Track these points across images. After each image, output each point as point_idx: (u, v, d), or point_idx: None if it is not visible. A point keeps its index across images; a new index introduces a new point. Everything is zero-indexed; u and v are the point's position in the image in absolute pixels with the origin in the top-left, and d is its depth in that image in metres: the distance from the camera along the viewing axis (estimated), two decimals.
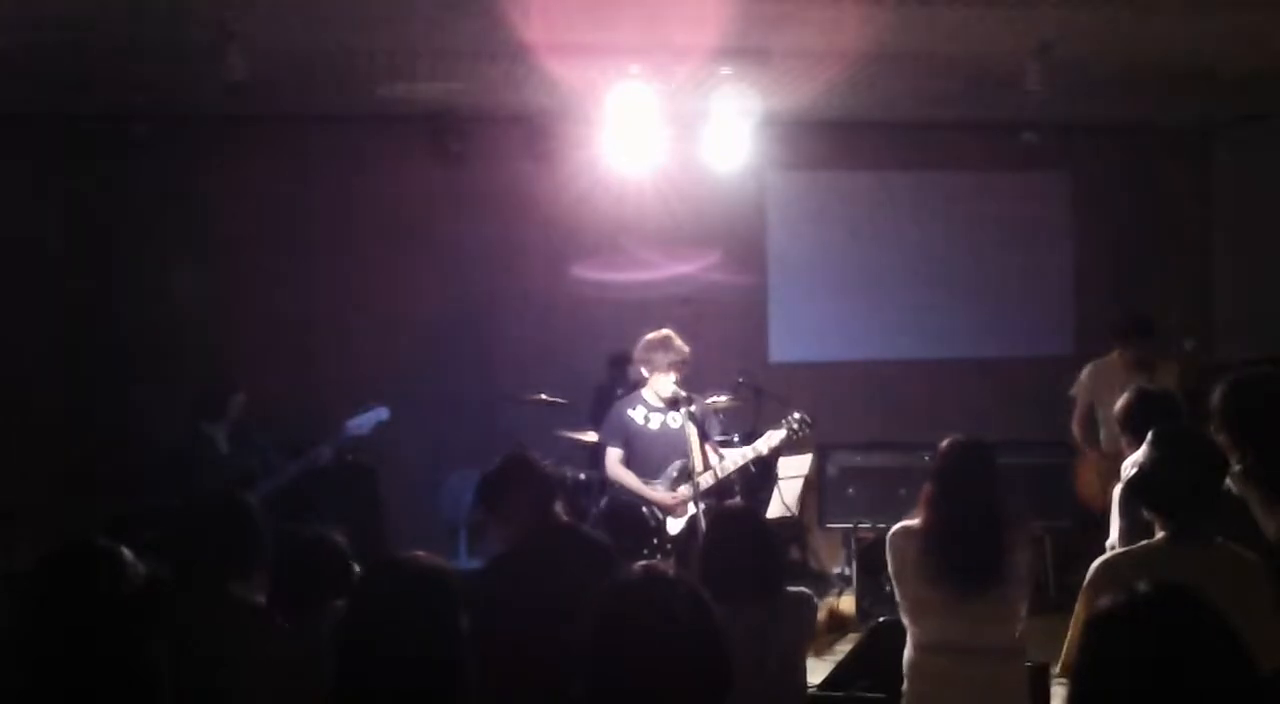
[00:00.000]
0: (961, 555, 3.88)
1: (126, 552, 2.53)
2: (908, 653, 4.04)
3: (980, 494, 3.98)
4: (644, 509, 6.14)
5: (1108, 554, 3.39)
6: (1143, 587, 1.96)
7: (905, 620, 4.06)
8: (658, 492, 6.11)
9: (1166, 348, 6.85)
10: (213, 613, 3.32)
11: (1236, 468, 3.61)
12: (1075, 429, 7.08)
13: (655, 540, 6.10)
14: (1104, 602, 1.97)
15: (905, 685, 4.04)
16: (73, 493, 7.03)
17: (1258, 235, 8.94)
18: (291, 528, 3.79)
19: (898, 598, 4.08)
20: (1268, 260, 8.77)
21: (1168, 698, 1.85)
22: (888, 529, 6.01)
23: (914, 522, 4.04)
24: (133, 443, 7.07)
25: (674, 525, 6.13)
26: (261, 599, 3.52)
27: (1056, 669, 3.43)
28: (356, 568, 3.53)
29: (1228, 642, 1.89)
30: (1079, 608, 3.28)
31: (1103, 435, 6.89)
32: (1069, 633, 3.33)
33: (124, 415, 7.51)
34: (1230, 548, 3.25)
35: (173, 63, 6.44)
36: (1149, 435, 3.40)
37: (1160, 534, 3.29)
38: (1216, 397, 3.73)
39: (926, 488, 4.07)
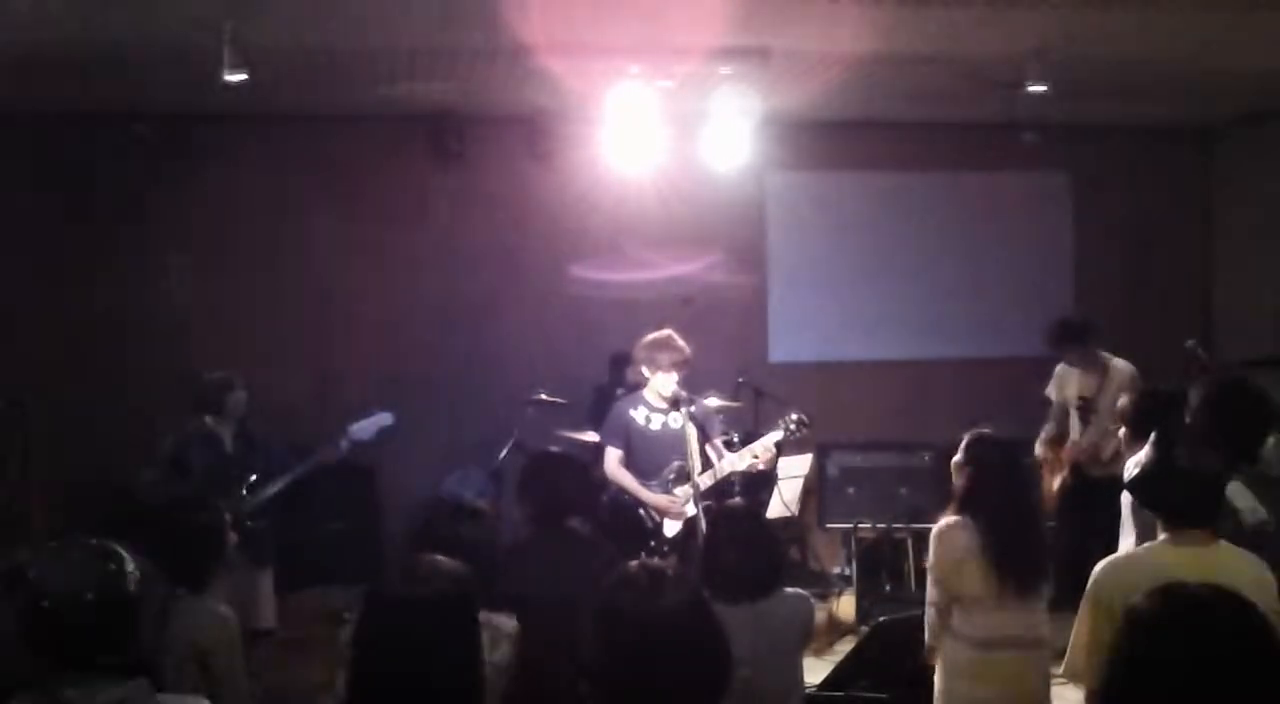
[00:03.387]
0: (1025, 553, 3.99)
1: (127, 552, 2.55)
2: (954, 650, 4.04)
3: (1022, 488, 4.16)
4: (640, 511, 6.13)
5: (1110, 557, 3.39)
6: (1182, 587, 1.96)
7: (945, 617, 4.06)
8: (654, 494, 6.10)
9: (1099, 350, 6.87)
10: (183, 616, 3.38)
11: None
12: (1045, 429, 7.10)
13: (652, 542, 6.10)
14: (1141, 603, 1.97)
15: (948, 684, 4.05)
16: (74, 492, 7.03)
17: (1258, 235, 8.94)
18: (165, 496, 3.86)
19: (936, 596, 4.09)
20: (1268, 260, 8.77)
21: (1204, 699, 1.85)
22: (888, 529, 6.07)
23: (960, 518, 4.06)
24: (134, 443, 7.07)
25: (670, 527, 6.12)
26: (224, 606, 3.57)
27: (1060, 670, 3.41)
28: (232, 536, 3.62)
29: (1268, 641, 1.89)
30: (1083, 611, 3.28)
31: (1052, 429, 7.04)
32: (1073, 635, 3.32)
33: (125, 416, 7.51)
34: (1234, 548, 3.26)
35: (173, 63, 6.44)
36: (1151, 436, 3.41)
37: (1162, 536, 3.30)
38: (1197, 403, 3.79)
39: (965, 482, 4.11)
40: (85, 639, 2.39)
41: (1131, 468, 3.44)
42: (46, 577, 2.44)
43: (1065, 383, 6.99)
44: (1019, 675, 3.98)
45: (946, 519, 4.11)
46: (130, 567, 2.50)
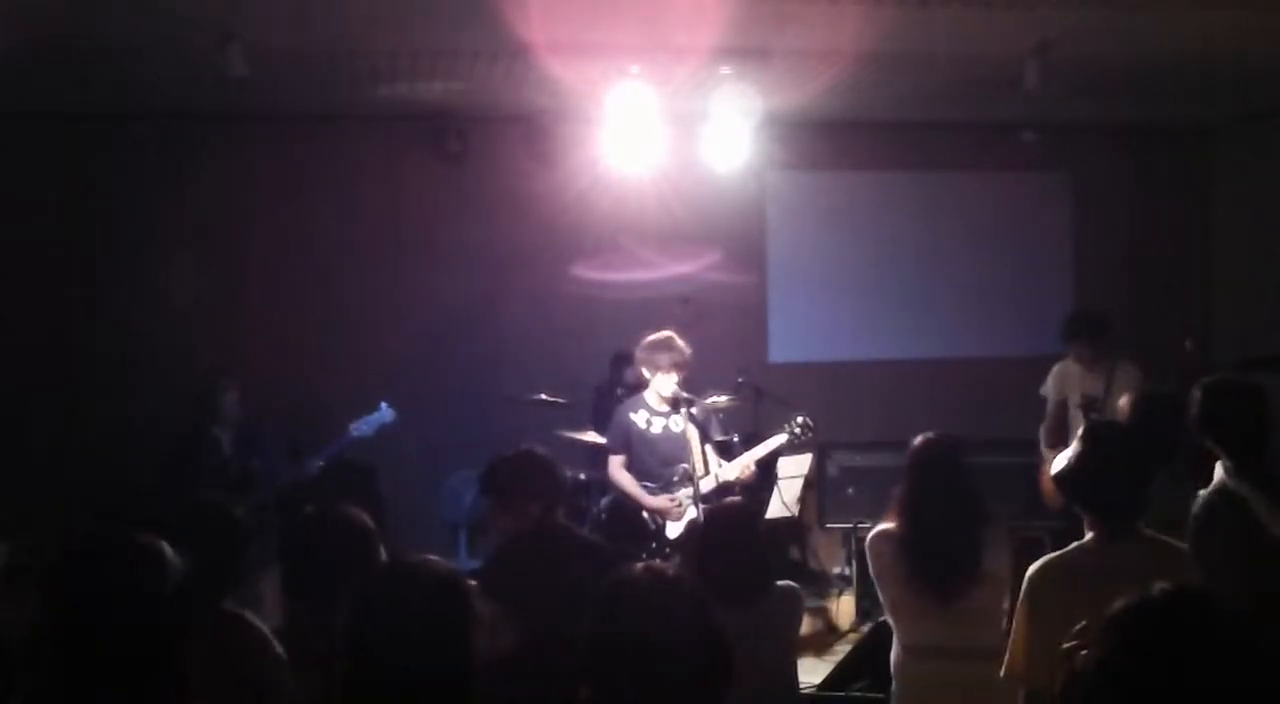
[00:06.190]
0: (939, 559, 3.88)
1: (167, 548, 2.51)
2: (894, 654, 4.04)
3: (955, 493, 3.98)
4: (643, 513, 6.15)
5: (1044, 558, 3.37)
6: (1156, 589, 1.97)
7: (890, 622, 4.06)
8: (654, 498, 6.12)
9: (1118, 348, 6.86)
10: (203, 628, 3.31)
11: (1230, 464, 3.63)
12: (1044, 429, 7.08)
13: (654, 544, 6.11)
14: (1122, 602, 1.98)
15: (894, 687, 4.04)
16: (75, 493, 7.02)
17: (1258, 235, 8.94)
18: (312, 509, 3.77)
19: (881, 600, 4.09)
20: (1268, 260, 8.77)
21: (1181, 699, 1.85)
22: None
23: (891, 524, 4.04)
24: (133, 444, 7.07)
25: (673, 529, 6.14)
26: (247, 612, 3.50)
27: (1002, 671, 3.37)
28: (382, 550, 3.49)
29: (1241, 641, 1.89)
30: (1019, 614, 3.27)
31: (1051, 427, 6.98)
32: (1012, 638, 3.31)
33: (125, 416, 7.50)
34: (1158, 540, 3.28)
35: (173, 62, 6.45)
36: (1079, 432, 3.43)
37: (1089, 533, 3.30)
38: (1196, 402, 3.76)
39: (900, 489, 4.07)
40: (104, 638, 2.35)
41: (1060, 463, 3.42)
42: (75, 572, 2.41)
43: (1067, 382, 6.95)
44: (950, 686, 3.85)
45: (878, 526, 4.09)
46: (169, 567, 2.46)
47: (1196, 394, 3.83)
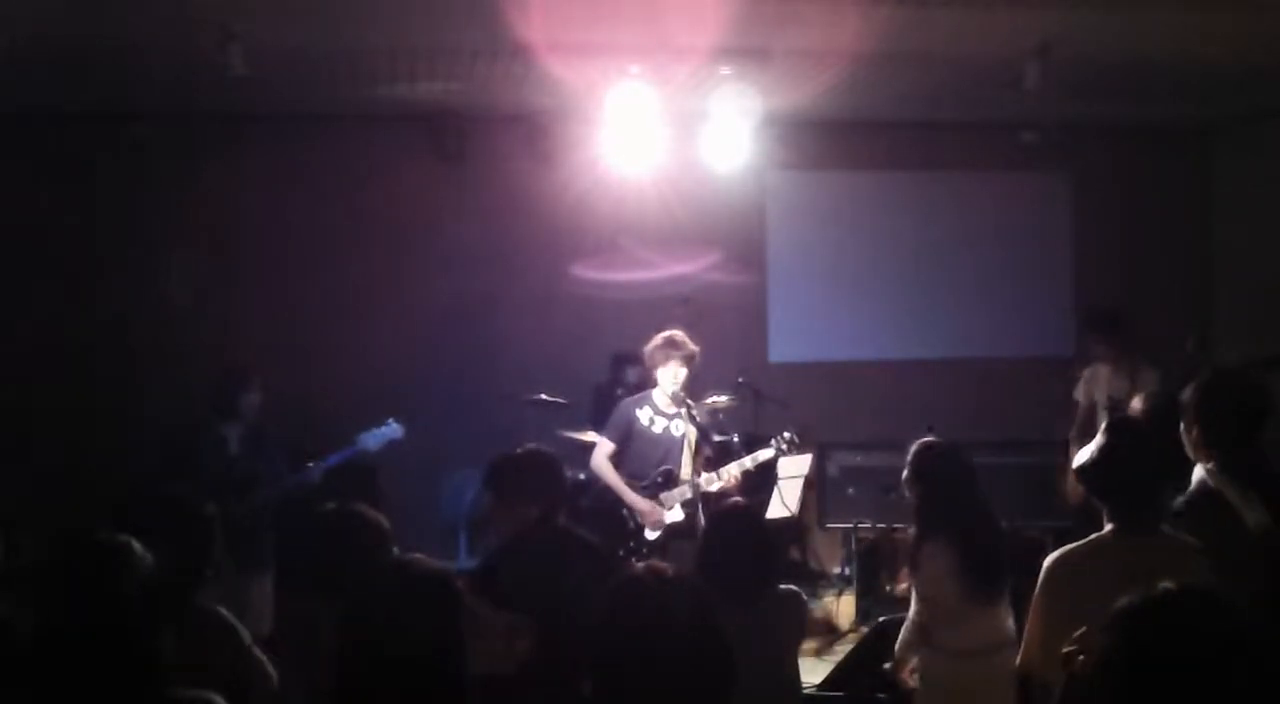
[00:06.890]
0: (998, 566, 4.02)
1: (135, 543, 2.52)
2: (932, 664, 4.04)
3: (975, 492, 4.12)
4: (624, 511, 6.12)
5: (1060, 550, 3.39)
6: (1160, 587, 1.97)
7: (926, 632, 4.05)
8: (637, 498, 6.09)
9: (1137, 349, 6.85)
10: (176, 622, 3.31)
11: (1210, 464, 3.64)
12: (1074, 432, 7.07)
13: (631, 543, 6.09)
14: (1124, 600, 1.98)
15: (929, 691, 4.05)
16: (76, 493, 7.02)
17: (1258, 235, 8.94)
18: (329, 507, 3.78)
19: (918, 612, 4.09)
20: (1268, 260, 8.77)
21: (1182, 699, 1.85)
22: (888, 529, 5.98)
23: (931, 535, 4.07)
24: (135, 444, 7.05)
25: (652, 531, 6.13)
26: (220, 607, 3.50)
27: (1018, 661, 3.42)
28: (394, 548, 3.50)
29: (1243, 641, 1.89)
30: (1036, 605, 3.30)
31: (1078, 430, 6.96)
32: (1028, 630, 3.34)
33: (126, 417, 7.50)
34: (1172, 536, 3.29)
35: (173, 62, 6.45)
36: (1102, 426, 3.45)
37: (1108, 526, 3.31)
38: (1188, 396, 3.77)
39: (919, 500, 4.14)
40: (85, 638, 2.37)
41: (1082, 455, 3.45)
42: (43, 578, 2.43)
43: (1096, 384, 6.93)
44: (990, 680, 3.95)
45: (927, 547, 4.11)
46: (136, 566, 2.47)
47: (1193, 388, 3.84)
